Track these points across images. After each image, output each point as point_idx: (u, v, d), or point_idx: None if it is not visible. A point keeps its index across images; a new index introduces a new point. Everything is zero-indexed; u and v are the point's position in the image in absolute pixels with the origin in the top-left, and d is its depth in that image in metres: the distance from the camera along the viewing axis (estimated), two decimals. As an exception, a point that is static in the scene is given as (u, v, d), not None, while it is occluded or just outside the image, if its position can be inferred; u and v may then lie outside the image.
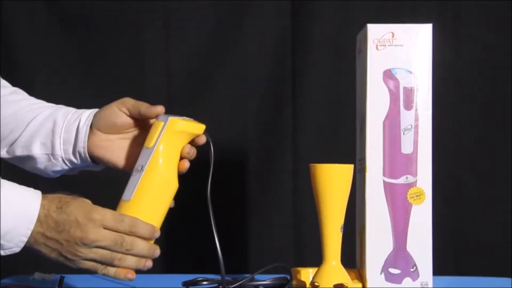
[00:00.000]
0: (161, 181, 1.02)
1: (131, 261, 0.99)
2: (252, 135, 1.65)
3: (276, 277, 1.15)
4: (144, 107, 1.06)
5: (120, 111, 1.07)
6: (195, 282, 1.12)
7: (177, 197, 1.05)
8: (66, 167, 1.11)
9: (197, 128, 1.06)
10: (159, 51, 1.64)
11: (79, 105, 1.61)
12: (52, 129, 1.10)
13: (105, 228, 0.97)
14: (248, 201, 1.64)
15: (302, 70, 1.63)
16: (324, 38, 1.62)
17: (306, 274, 1.16)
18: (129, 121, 1.08)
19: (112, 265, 0.98)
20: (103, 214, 0.97)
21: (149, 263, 1.00)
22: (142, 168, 1.02)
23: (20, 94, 1.17)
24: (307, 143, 1.63)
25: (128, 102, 1.07)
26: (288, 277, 1.16)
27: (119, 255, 0.98)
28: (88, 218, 0.96)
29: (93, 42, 1.64)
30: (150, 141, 1.03)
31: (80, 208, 0.96)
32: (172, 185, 1.03)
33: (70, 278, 1.19)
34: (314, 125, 1.63)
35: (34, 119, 1.11)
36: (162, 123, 1.03)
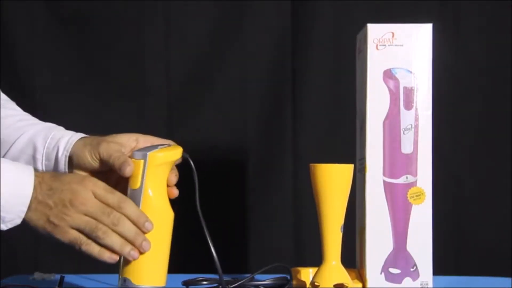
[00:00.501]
0: (159, 218, 1.01)
1: (115, 239, 0.97)
2: (252, 135, 1.65)
3: (276, 277, 1.15)
4: (117, 164, 1.02)
5: (91, 159, 1.05)
6: (195, 282, 1.12)
7: (176, 198, 1.05)
8: None
9: (176, 154, 1.04)
10: (159, 51, 1.64)
11: (79, 105, 1.63)
12: (33, 155, 1.10)
13: (95, 197, 0.97)
14: (248, 201, 1.64)
15: (302, 70, 1.64)
16: (324, 38, 1.62)
17: (306, 274, 1.16)
18: (100, 166, 1.05)
19: (96, 238, 0.97)
20: (96, 181, 0.98)
21: (134, 253, 0.98)
22: (134, 186, 1.01)
23: (4, 109, 1.16)
24: (307, 143, 1.63)
25: (103, 151, 1.05)
26: (288, 277, 1.16)
27: (104, 228, 0.97)
28: (80, 183, 0.97)
29: (93, 42, 1.64)
30: (135, 182, 1.01)
31: (74, 176, 0.99)
32: (169, 217, 1.03)
33: (70, 278, 1.19)
34: (314, 125, 1.63)
35: (16, 142, 1.12)
36: (142, 161, 1.01)
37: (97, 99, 1.64)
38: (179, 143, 1.07)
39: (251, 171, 1.64)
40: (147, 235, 1.00)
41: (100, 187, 0.98)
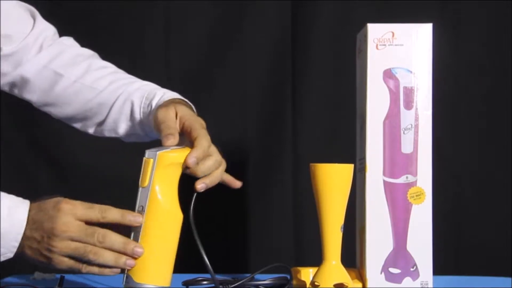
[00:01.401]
0: (164, 218, 1.01)
1: (107, 256, 0.97)
2: (252, 135, 1.65)
3: (276, 277, 1.15)
4: (164, 133, 1.04)
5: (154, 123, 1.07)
6: (195, 282, 1.12)
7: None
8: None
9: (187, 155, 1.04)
10: (159, 51, 1.64)
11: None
12: (131, 115, 1.14)
13: (76, 219, 0.96)
14: (248, 200, 1.64)
15: (302, 70, 1.64)
16: (324, 37, 1.62)
17: (306, 273, 1.16)
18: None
19: (89, 261, 0.97)
20: (73, 203, 0.97)
21: (130, 262, 0.98)
22: (143, 209, 1.01)
23: (94, 72, 1.18)
24: (307, 142, 1.63)
25: (160, 116, 1.06)
26: (288, 277, 1.16)
27: (94, 249, 0.96)
28: (57, 209, 0.96)
29: (93, 41, 1.63)
30: (144, 180, 1.01)
31: (51, 202, 0.97)
32: (177, 218, 1.02)
33: (70, 278, 1.19)
34: (314, 124, 1.63)
35: (114, 105, 1.15)
36: (151, 160, 1.01)
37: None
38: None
39: (251, 171, 1.64)
40: (151, 235, 1.00)
41: (77, 206, 0.97)
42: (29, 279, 1.22)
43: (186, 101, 1.14)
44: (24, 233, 0.96)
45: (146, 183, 1.01)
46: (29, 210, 0.97)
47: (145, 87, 1.17)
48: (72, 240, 0.96)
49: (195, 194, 1.04)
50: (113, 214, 0.98)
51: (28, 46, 1.17)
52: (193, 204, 1.04)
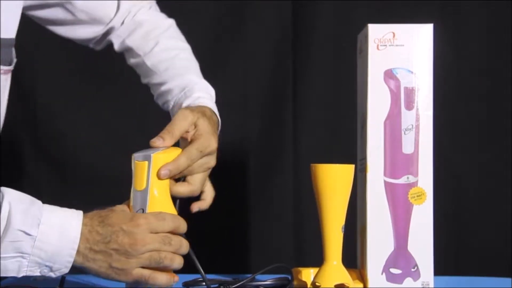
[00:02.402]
0: None
1: (179, 260, 0.98)
2: (253, 135, 1.65)
3: (277, 277, 1.15)
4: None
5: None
6: (195, 283, 1.12)
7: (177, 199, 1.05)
8: None
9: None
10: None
11: (80, 104, 1.62)
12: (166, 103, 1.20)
13: (151, 232, 0.96)
14: (249, 201, 1.64)
15: (303, 70, 1.63)
16: (325, 38, 1.62)
17: (307, 274, 1.15)
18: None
19: (164, 267, 0.97)
20: (146, 217, 0.97)
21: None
22: (143, 211, 1.01)
23: (157, 53, 1.23)
24: (308, 143, 1.63)
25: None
26: (289, 277, 1.16)
27: (170, 255, 0.97)
28: (133, 225, 0.95)
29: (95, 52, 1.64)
30: (140, 183, 1.01)
31: (121, 218, 0.96)
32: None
33: (71, 278, 1.19)
34: (315, 125, 1.63)
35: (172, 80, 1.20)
36: (146, 163, 1.01)
37: (99, 98, 1.64)
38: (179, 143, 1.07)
39: (252, 171, 1.64)
40: None
41: (150, 220, 0.97)
42: (30, 279, 1.22)
43: (216, 114, 1.15)
44: (91, 248, 0.94)
45: (143, 186, 1.01)
46: (85, 224, 0.95)
47: (191, 83, 1.19)
48: (150, 251, 0.96)
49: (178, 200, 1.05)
50: (184, 225, 0.99)
51: (114, 28, 1.24)
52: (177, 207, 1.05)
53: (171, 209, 1.02)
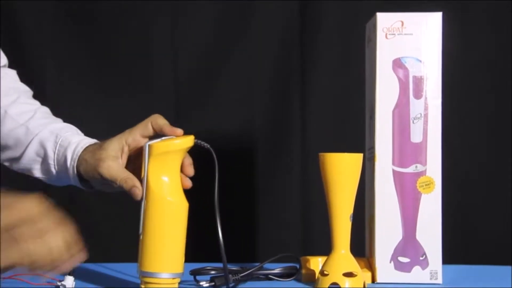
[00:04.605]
0: (164, 207, 1.02)
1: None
2: (260, 125, 1.65)
3: (285, 266, 1.16)
4: (127, 188, 1.02)
5: (96, 177, 1.05)
6: (203, 271, 1.13)
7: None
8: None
9: (184, 143, 1.04)
10: (167, 45, 1.63)
11: (87, 98, 1.62)
12: (46, 160, 1.12)
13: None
14: (257, 191, 1.64)
15: (311, 60, 1.63)
16: (333, 27, 1.62)
17: (316, 263, 1.16)
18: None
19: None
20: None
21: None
22: (142, 198, 1.02)
23: (18, 105, 1.17)
24: (316, 132, 1.62)
25: (106, 174, 1.05)
26: (298, 266, 1.16)
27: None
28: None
29: (101, 35, 1.64)
30: (142, 171, 1.03)
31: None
32: (178, 206, 1.03)
33: (82, 266, 1.19)
34: (323, 114, 1.63)
35: (30, 145, 1.13)
36: (144, 152, 1.02)
37: (105, 92, 1.64)
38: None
39: (260, 161, 1.64)
40: (151, 224, 1.01)
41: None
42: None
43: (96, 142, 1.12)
44: None
45: (142, 174, 1.03)
46: None
47: (60, 131, 1.13)
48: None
49: (216, 183, 1.04)
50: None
51: None
52: (216, 191, 1.04)
53: (173, 197, 1.02)
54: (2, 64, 1.22)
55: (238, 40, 1.64)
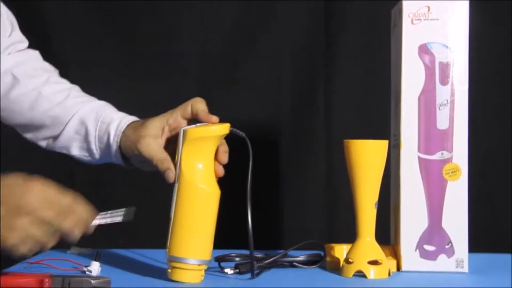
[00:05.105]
0: (195, 193, 1.02)
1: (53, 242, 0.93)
2: (285, 112, 1.64)
3: (310, 254, 1.15)
4: (161, 169, 1.03)
5: (135, 154, 1.07)
6: (227, 258, 1.13)
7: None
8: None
9: (219, 130, 1.04)
10: (194, 30, 1.63)
11: (113, 82, 1.63)
12: (86, 138, 1.13)
13: (44, 200, 0.91)
14: (281, 179, 1.64)
15: (336, 46, 1.62)
16: (359, 12, 1.60)
17: (340, 250, 1.15)
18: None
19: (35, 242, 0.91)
20: (45, 183, 0.92)
21: None
22: (175, 181, 1.02)
23: (50, 84, 1.18)
24: (341, 119, 1.62)
25: (144, 151, 1.06)
26: (322, 254, 1.16)
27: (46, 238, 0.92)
28: (27, 185, 0.90)
29: (128, 19, 1.64)
30: (176, 155, 1.03)
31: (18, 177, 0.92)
32: (209, 193, 1.02)
33: (108, 252, 1.20)
34: (348, 100, 1.62)
35: (69, 123, 1.14)
36: (179, 136, 1.03)
37: (131, 77, 1.64)
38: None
39: (284, 148, 1.64)
40: (182, 209, 1.01)
41: (50, 188, 0.92)
42: (65, 253, 1.24)
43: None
44: None
45: (176, 158, 1.03)
46: None
47: (100, 108, 1.15)
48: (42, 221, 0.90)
49: (250, 169, 1.04)
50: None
51: None
52: (249, 182, 1.04)
53: (205, 183, 1.02)
54: (23, 48, 1.22)
55: (264, 27, 1.64)
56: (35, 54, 1.24)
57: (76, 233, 0.93)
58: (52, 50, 1.59)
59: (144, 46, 1.64)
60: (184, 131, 1.03)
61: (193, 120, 1.08)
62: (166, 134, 1.08)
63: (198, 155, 1.03)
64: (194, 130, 1.03)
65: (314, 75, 1.63)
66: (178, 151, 1.03)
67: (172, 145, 1.07)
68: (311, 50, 1.63)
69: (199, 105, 1.07)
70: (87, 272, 1.05)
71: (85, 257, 1.19)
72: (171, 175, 1.02)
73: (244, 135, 1.05)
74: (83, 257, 1.19)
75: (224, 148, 1.06)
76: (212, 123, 1.05)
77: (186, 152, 1.02)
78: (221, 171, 1.05)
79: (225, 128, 1.04)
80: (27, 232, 0.90)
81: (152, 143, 1.06)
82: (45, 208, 0.90)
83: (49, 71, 1.22)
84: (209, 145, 1.03)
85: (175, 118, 1.08)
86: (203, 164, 1.03)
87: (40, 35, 1.56)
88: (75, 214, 0.92)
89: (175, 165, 1.03)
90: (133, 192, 1.58)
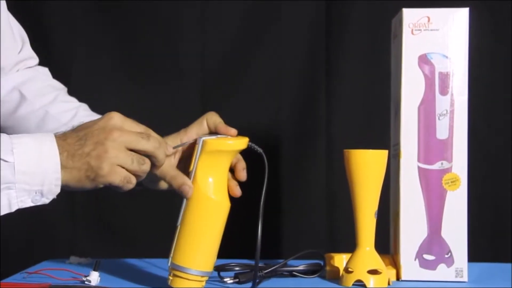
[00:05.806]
0: (206, 204, 1.01)
1: (133, 182, 0.95)
2: (286, 120, 1.64)
3: (309, 263, 1.15)
4: (175, 186, 1.02)
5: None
6: (227, 267, 1.13)
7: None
8: None
9: (237, 145, 1.03)
10: (195, 34, 1.64)
11: (114, 87, 1.63)
12: None
13: (126, 147, 0.94)
14: (281, 187, 1.64)
15: (337, 55, 1.63)
16: (359, 22, 1.61)
17: (340, 260, 1.15)
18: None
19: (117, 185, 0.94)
20: (122, 132, 0.95)
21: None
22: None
23: (60, 103, 1.18)
24: (341, 128, 1.62)
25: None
26: (322, 263, 1.16)
27: (130, 178, 0.94)
28: (106, 136, 0.93)
29: (129, 24, 1.64)
30: (191, 164, 1.02)
31: (98, 128, 0.94)
32: (219, 206, 1.02)
33: (107, 261, 1.20)
34: (348, 110, 1.62)
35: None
36: (196, 146, 1.02)
37: (132, 81, 1.64)
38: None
39: (285, 156, 1.64)
40: (191, 218, 1.00)
41: (126, 136, 0.94)
42: (65, 263, 1.24)
43: None
44: (69, 152, 0.91)
45: (191, 168, 1.02)
46: (58, 137, 0.93)
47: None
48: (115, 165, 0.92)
49: (265, 185, 1.03)
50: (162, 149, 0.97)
51: (6, 68, 1.17)
52: (263, 198, 1.04)
53: (217, 195, 1.01)
54: (33, 64, 1.22)
55: (266, 33, 1.64)
56: (45, 71, 1.24)
57: (161, 155, 0.96)
58: (52, 51, 1.60)
59: (145, 48, 1.64)
60: (203, 142, 1.01)
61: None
62: (180, 153, 1.06)
63: (214, 167, 1.02)
64: (213, 142, 1.02)
65: (315, 83, 1.64)
66: (194, 160, 1.01)
67: (185, 160, 1.05)
68: (313, 58, 1.63)
69: (214, 118, 1.06)
70: (86, 282, 1.05)
71: (84, 267, 1.19)
72: (187, 190, 1.00)
73: (261, 151, 1.04)
74: (82, 267, 1.19)
75: (242, 165, 1.06)
76: (231, 135, 1.04)
77: (202, 162, 1.01)
78: (239, 192, 1.05)
79: (243, 143, 1.03)
80: (117, 160, 0.93)
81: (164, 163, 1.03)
82: (126, 132, 0.94)
83: (58, 89, 1.21)
84: (226, 158, 1.03)
85: (189, 136, 1.06)
86: (218, 176, 1.02)
87: (40, 35, 1.56)
88: (154, 136, 0.96)
89: (188, 174, 1.02)
90: (134, 203, 1.58)
